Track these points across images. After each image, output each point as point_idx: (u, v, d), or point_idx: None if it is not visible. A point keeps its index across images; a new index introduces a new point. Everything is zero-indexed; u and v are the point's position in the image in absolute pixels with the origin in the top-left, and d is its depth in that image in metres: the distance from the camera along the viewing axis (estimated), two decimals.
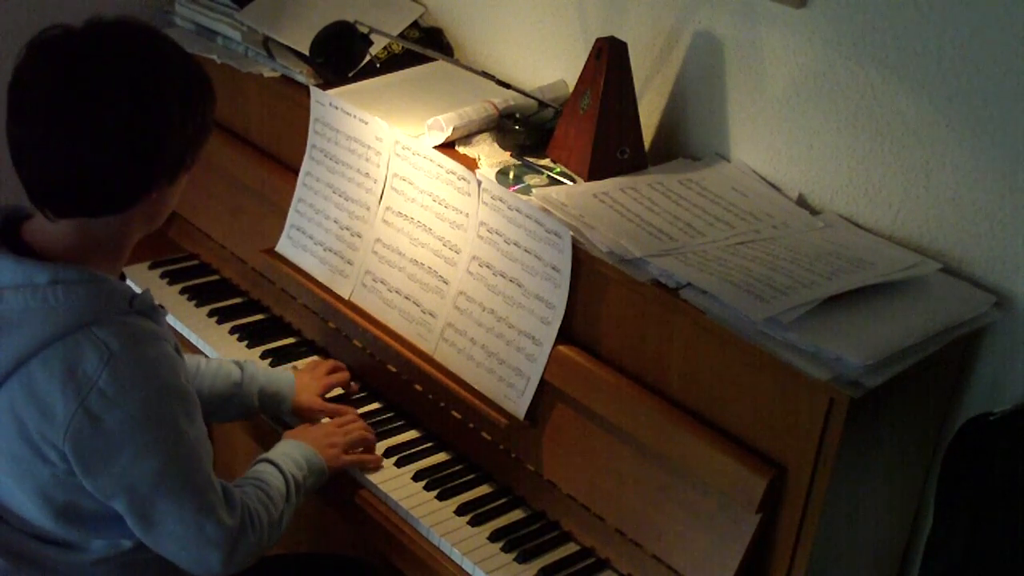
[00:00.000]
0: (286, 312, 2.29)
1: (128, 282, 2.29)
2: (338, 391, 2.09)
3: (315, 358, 2.15)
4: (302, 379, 2.02)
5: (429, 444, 1.99)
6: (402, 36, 2.32)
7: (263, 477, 1.73)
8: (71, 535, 1.60)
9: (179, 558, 1.61)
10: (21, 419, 1.51)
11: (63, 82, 1.45)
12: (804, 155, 1.93)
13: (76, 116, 1.45)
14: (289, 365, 2.14)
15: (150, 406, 1.51)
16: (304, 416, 2.00)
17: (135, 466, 1.51)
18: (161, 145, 1.51)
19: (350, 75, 2.22)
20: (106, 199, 1.52)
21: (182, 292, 2.35)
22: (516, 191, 1.90)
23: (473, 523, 1.83)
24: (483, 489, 1.91)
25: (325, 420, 1.98)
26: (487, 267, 1.89)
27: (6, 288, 1.50)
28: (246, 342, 2.21)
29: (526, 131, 2.04)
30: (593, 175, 1.93)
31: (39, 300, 1.49)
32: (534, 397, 1.83)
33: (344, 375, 2.08)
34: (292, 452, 1.80)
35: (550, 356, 1.81)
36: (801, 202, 1.94)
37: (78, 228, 1.53)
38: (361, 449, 1.92)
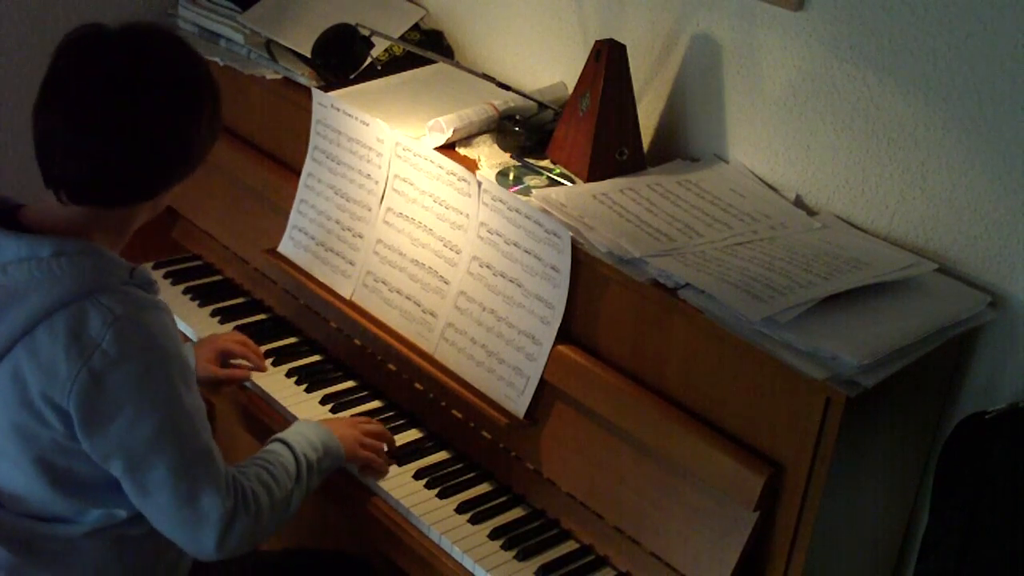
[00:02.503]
0: (288, 312, 2.30)
1: None
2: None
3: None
4: (199, 349, 2.04)
5: (429, 443, 2.00)
6: (403, 38, 2.33)
7: (270, 458, 1.73)
8: (66, 505, 1.62)
9: (172, 532, 1.61)
10: (24, 383, 1.54)
11: (105, 78, 1.51)
12: (801, 156, 1.94)
13: (115, 112, 1.51)
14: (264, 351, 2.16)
15: (151, 369, 1.54)
16: (203, 386, 1.99)
17: (133, 426, 1.54)
18: (190, 146, 1.57)
19: (351, 77, 2.23)
20: (129, 192, 1.58)
21: (185, 292, 2.36)
22: (516, 192, 1.91)
23: (473, 521, 1.84)
24: (483, 487, 1.92)
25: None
26: (487, 267, 1.90)
27: (10, 262, 1.54)
28: None
29: (526, 132, 2.05)
30: (592, 176, 1.94)
31: (44, 271, 1.53)
32: (534, 396, 1.84)
33: (243, 349, 2.08)
34: (308, 433, 1.81)
35: (550, 356, 1.82)
36: (798, 203, 1.95)
37: (88, 214, 1.58)
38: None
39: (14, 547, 1.63)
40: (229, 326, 2.26)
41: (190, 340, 2.11)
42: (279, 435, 1.80)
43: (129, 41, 1.54)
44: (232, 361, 2.08)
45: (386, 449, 1.94)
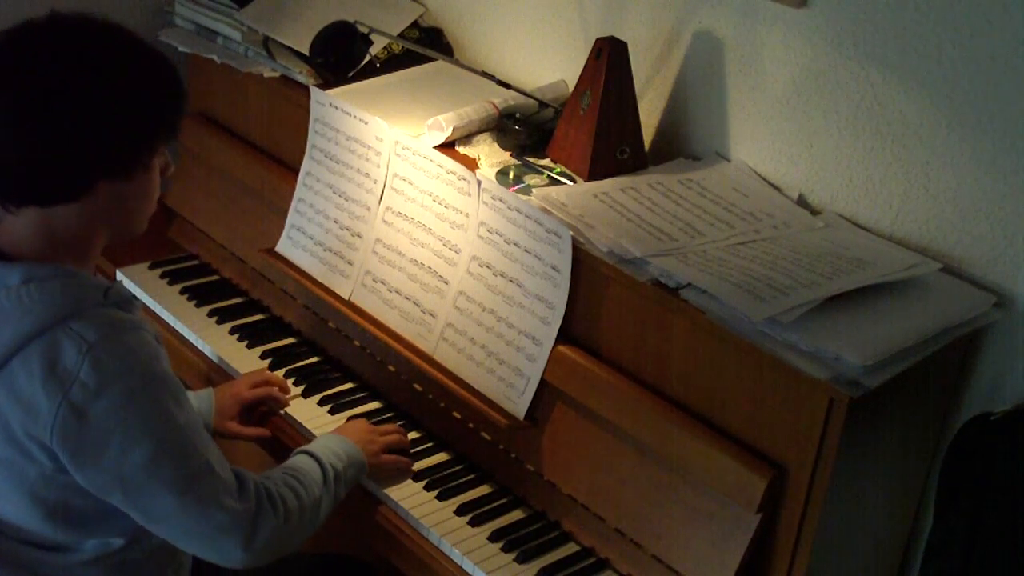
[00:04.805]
0: (286, 312, 2.28)
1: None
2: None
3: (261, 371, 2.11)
4: (221, 401, 1.98)
5: (429, 444, 1.99)
6: (402, 36, 2.32)
7: (295, 465, 1.73)
8: (63, 536, 1.59)
9: (196, 550, 1.59)
10: (6, 419, 1.50)
11: (14, 69, 1.46)
12: (804, 155, 1.93)
13: (20, 100, 1.45)
14: (282, 370, 2.15)
15: (134, 394, 1.49)
16: (226, 438, 1.99)
17: (125, 456, 1.49)
18: (102, 134, 1.49)
19: (350, 75, 2.22)
20: (51, 186, 1.50)
21: (182, 292, 2.35)
22: (516, 191, 1.90)
23: (473, 523, 1.83)
24: (483, 489, 1.91)
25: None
26: (487, 267, 1.89)
27: None
28: (246, 342, 2.21)
29: (526, 131, 2.04)
30: (593, 175, 1.93)
31: (13, 301, 1.48)
32: (534, 397, 1.83)
33: (266, 390, 2.02)
34: (331, 444, 1.80)
35: (550, 356, 1.81)
36: (801, 202, 1.94)
37: (40, 223, 1.52)
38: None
39: (12, 570, 1.59)
40: (227, 326, 2.25)
41: (209, 388, 2.02)
42: (303, 448, 1.79)
43: (35, 32, 1.48)
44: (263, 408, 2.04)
45: (404, 441, 1.93)
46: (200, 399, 1.96)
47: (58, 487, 1.53)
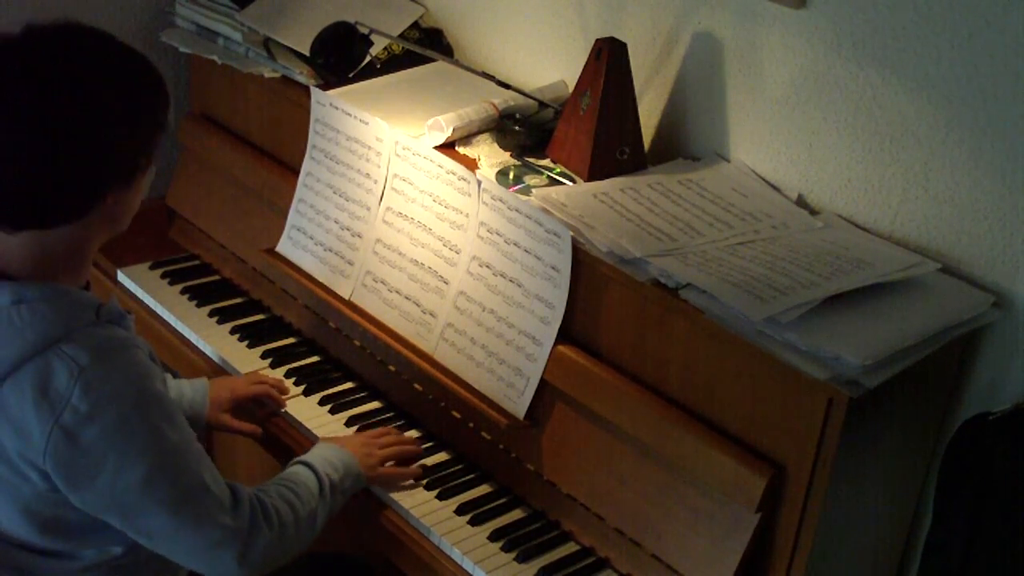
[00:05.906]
0: (286, 312, 2.29)
1: (122, 283, 2.27)
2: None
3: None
4: (216, 392, 1.97)
5: (429, 444, 1.99)
6: (402, 37, 2.32)
7: (292, 477, 1.72)
8: (59, 546, 1.58)
9: (192, 564, 1.59)
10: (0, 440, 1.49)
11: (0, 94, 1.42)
12: (803, 155, 1.93)
13: (15, 127, 1.41)
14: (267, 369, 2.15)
15: (127, 416, 1.48)
16: (216, 430, 1.99)
17: (119, 479, 1.49)
18: (108, 150, 1.46)
19: (350, 76, 2.22)
20: (59, 209, 1.47)
21: (183, 292, 2.35)
22: (516, 191, 1.90)
23: (473, 523, 1.83)
24: (483, 489, 1.91)
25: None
26: (487, 267, 1.89)
27: None
28: (246, 342, 2.21)
29: (526, 131, 2.05)
30: (593, 175, 1.93)
31: (4, 322, 1.46)
32: (534, 397, 1.83)
33: (263, 388, 2.02)
34: (327, 454, 1.80)
35: (550, 356, 1.81)
36: (800, 202, 1.94)
37: (36, 241, 1.49)
38: (392, 463, 1.91)
39: (9, 574, 1.59)
40: (227, 326, 2.25)
41: (203, 378, 2.02)
42: (300, 458, 1.79)
43: (21, 47, 1.44)
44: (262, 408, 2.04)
45: (407, 449, 1.93)
46: (195, 389, 1.96)
47: (52, 503, 1.53)
